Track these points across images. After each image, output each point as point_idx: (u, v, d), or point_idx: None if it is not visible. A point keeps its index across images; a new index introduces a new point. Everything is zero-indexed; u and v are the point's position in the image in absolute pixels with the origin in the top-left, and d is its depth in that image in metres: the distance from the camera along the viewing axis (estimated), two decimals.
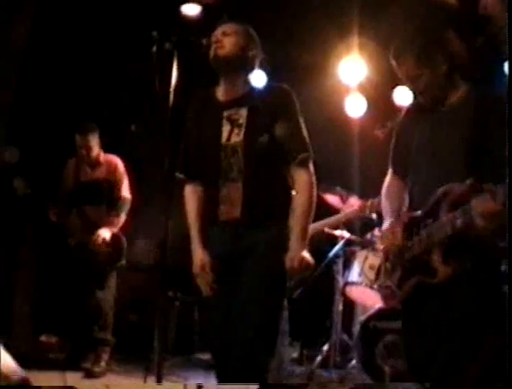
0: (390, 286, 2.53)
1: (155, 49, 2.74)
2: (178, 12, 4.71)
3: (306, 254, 2.50)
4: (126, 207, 4.52)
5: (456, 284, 2.26)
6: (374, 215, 4.39)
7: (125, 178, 4.54)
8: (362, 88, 5.55)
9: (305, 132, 2.59)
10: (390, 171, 2.73)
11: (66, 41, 4.92)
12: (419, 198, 2.47)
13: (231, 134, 2.55)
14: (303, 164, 2.55)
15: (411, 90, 2.59)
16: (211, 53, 2.58)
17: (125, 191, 4.53)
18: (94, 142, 4.46)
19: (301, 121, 2.60)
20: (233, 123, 2.56)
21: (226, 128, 2.56)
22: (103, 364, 4.26)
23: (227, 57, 2.56)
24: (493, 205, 2.07)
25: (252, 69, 2.67)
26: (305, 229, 2.51)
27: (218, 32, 2.60)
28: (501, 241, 2.25)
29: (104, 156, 4.55)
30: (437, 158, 2.42)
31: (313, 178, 2.56)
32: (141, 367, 4.11)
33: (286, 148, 2.55)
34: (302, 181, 2.54)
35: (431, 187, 2.37)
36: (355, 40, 5.19)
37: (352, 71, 5.43)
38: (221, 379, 2.56)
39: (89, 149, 4.44)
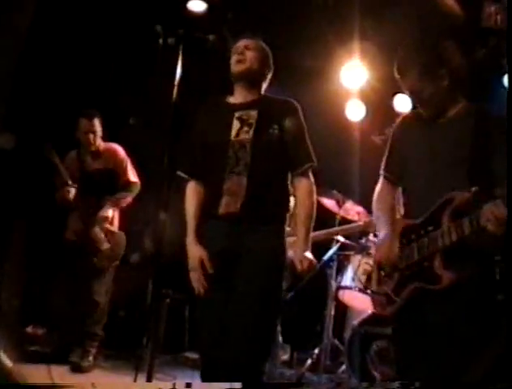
0: (384, 293, 2.53)
1: (160, 42, 2.75)
2: (184, 8, 4.71)
3: (310, 255, 2.60)
4: (135, 191, 4.49)
5: (459, 290, 2.27)
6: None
7: (128, 163, 4.49)
8: (363, 94, 5.57)
9: (309, 144, 2.72)
10: (381, 178, 2.74)
11: (69, 31, 4.90)
12: (417, 207, 2.49)
13: (240, 131, 2.66)
14: (306, 173, 2.70)
15: (412, 102, 2.62)
16: (232, 64, 2.76)
17: (132, 176, 4.48)
18: (98, 127, 4.41)
19: (307, 133, 2.73)
20: (243, 122, 2.67)
21: (236, 126, 2.67)
22: (91, 358, 4.21)
23: (247, 70, 2.73)
24: (505, 210, 2.10)
25: (265, 81, 2.84)
26: (308, 233, 2.63)
27: (241, 45, 2.77)
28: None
29: (103, 145, 4.49)
30: (435, 168, 2.44)
31: (314, 187, 2.70)
32: (129, 363, 4.10)
33: (292, 156, 2.68)
34: (305, 189, 2.68)
35: (430, 196, 2.40)
36: (356, 46, 5.20)
37: (353, 76, 5.46)
38: (206, 378, 2.57)
39: (94, 134, 4.38)
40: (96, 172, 4.45)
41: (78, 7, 4.79)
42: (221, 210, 2.59)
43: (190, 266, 2.63)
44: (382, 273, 2.57)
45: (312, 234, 2.68)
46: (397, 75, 2.55)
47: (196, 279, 2.61)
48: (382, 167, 2.72)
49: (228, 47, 2.84)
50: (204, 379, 2.59)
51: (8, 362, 2.46)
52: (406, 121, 2.68)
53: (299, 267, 2.56)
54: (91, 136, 4.37)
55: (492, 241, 2.24)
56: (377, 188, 2.74)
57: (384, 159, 2.72)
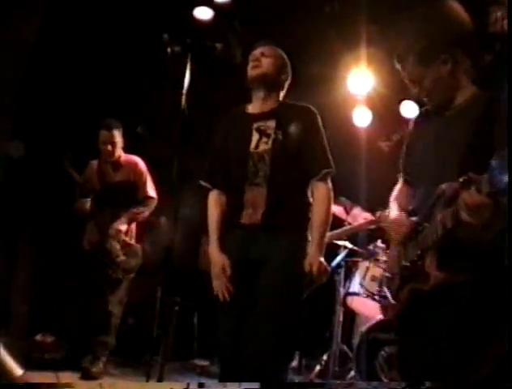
0: (385, 295, 2.51)
1: (168, 50, 2.77)
2: (190, 16, 4.73)
3: (323, 261, 2.61)
4: (152, 206, 4.46)
5: (453, 292, 2.16)
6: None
7: (148, 177, 4.47)
8: (370, 100, 5.58)
9: (328, 150, 2.73)
10: (400, 179, 2.70)
11: (76, 39, 4.91)
12: (420, 202, 2.40)
13: (259, 143, 2.70)
14: (324, 179, 2.71)
15: (417, 95, 2.48)
16: (249, 70, 2.78)
17: (151, 191, 4.46)
18: (119, 138, 4.40)
19: (325, 139, 2.74)
20: (262, 133, 2.71)
21: (255, 137, 2.71)
22: (101, 365, 4.21)
23: (263, 75, 2.75)
24: (478, 197, 1.97)
25: (282, 89, 2.86)
26: (322, 238, 2.65)
27: (257, 52, 2.80)
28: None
29: (124, 157, 4.48)
30: (440, 161, 2.35)
31: (332, 193, 2.72)
32: (138, 371, 4.12)
33: (310, 163, 2.70)
34: (322, 194, 2.70)
35: (433, 190, 2.29)
36: (363, 53, 5.21)
37: (359, 83, 5.47)
38: (224, 380, 2.61)
39: (114, 145, 4.38)
40: (117, 184, 4.44)
41: (86, 16, 4.82)
42: (243, 220, 2.65)
43: (213, 273, 2.68)
44: (387, 274, 2.53)
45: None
46: (397, 65, 2.47)
47: (219, 287, 2.65)
48: (401, 168, 2.68)
49: (235, 54, 2.86)
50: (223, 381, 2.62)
51: (18, 370, 2.48)
52: (417, 125, 2.62)
53: (307, 268, 2.56)
54: (110, 147, 4.37)
55: (486, 241, 2.11)
56: (396, 188, 2.69)
57: (401, 161, 2.68)
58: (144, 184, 4.44)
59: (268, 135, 2.69)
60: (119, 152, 4.44)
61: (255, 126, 2.72)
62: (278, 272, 2.56)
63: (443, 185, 2.22)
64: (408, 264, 2.35)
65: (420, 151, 2.52)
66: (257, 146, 2.69)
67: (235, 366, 2.55)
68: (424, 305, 2.26)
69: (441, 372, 2.19)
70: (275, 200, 2.63)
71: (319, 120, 2.76)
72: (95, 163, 4.54)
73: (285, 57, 2.87)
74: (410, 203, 2.54)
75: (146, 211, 4.45)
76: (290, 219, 2.64)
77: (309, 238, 2.66)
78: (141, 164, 4.48)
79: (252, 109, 2.82)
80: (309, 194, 2.73)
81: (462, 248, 2.16)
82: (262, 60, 2.76)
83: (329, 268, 2.65)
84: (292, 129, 2.68)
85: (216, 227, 2.77)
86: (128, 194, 4.41)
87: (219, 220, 2.78)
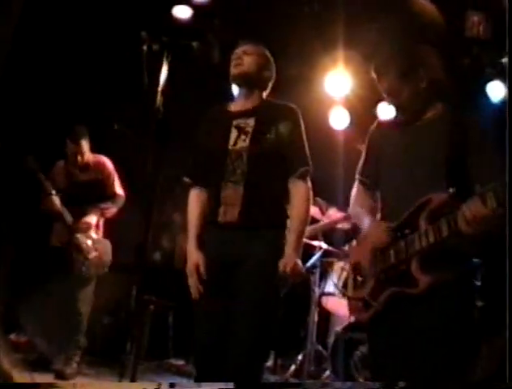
0: (361, 298, 2.47)
1: (144, 48, 2.76)
2: (169, 14, 4.72)
3: (299, 262, 2.58)
4: (120, 203, 4.49)
5: (436, 293, 2.23)
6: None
7: (116, 177, 4.49)
8: (347, 102, 5.60)
9: (307, 148, 2.72)
10: (356, 183, 2.73)
11: (53, 36, 4.88)
12: (393, 209, 2.46)
13: (237, 140, 2.69)
14: (302, 177, 2.68)
15: (390, 104, 2.58)
16: (231, 68, 2.79)
17: (118, 188, 4.49)
18: (86, 147, 4.41)
19: (304, 138, 2.73)
20: (241, 130, 2.70)
21: (234, 135, 2.70)
22: (74, 366, 4.19)
23: (245, 73, 2.76)
24: (483, 209, 2.06)
25: (265, 87, 2.86)
26: (300, 238, 2.62)
27: (240, 50, 2.80)
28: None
29: (92, 158, 4.48)
30: (412, 170, 2.42)
31: (311, 192, 2.69)
32: (113, 370, 4.08)
33: (288, 161, 2.68)
34: (300, 193, 2.67)
35: (406, 198, 2.36)
36: (341, 54, 5.23)
37: (337, 84, 5.49)
38: (200, 380, 2.60)
39: (82, 155, 4.39)
40: (84, 182, 4.44)
41: (64, 13, 4.79)
42: (220, 218, 2.63)
43: (188, 271, 2.67)
44: (359, 278, 2.53)
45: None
46: (374, 76, 2.54)
47: (192, 285, 2.64)
48: (358, 171, 2.71)
49: (213, 54, 2.86)
50: (198, 381, 2.62)
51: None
52: (382, 126, 2.68)
53: (281, 268, 2.52)
54: (79, 157, 4.39)
55: (470, 243, 2.23)
56: (353, 192, 2.73)
57: (360, 163, 2.71)
58: (112, 183, 4.47)
59: (246, 133, 2.67)
60: (87, 156, 4.44)
61: (235, 123, 2.72)
62: (253, 272, 2.54)
63: (428, 196, 2.28)
64: (386, 268, 2.39)
65: (386, 156, 2.56)
66: (235, 143, 2.68)
67: (210, 366, 2.54)
68: (403, 307, 2.31)
69: (419, 372, 2.23)
70: (252, 198, 2.60)
71: (301, 119, 2.75)
72: (61, 162, 4.52)
73: (269, 55, 2.87)
74: (375, 207, 2.61)
75: (113, 208, 4.47)
76: (267, 218, 2.62)
77: (287, 237, 2.62)
78: (108, 164, 4.49)
79: (234, 107, 2.82)
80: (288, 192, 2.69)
81: (447, 251, 2.23)
82: (243, 58, 2.76)
83: (303, 269, 2.63)
84: (272, 127, 2.67)
85: (195, 224, 2.75)
86: (96, 192, 4.42)
87: (199, 217, 2.76)
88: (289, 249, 2.57)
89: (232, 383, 2.40)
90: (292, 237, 2.60)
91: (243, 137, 2.67)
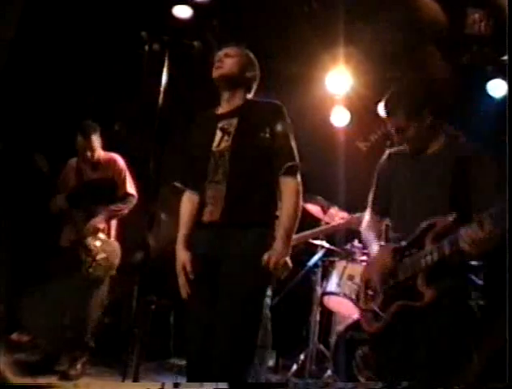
0: (372, 310, 2.69)
1: (146, 48, 2.77)
2: (169, 14, 4.71)
3: (286, 257, 2.58)
4: (131, 203, 4.40)
5: (439, 302, 2.46)
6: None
7: (127, 174, 4.42)
8: (348, 100, 5.60)
9: (293, 143, 2.72)
10: (368, 210, 2.95)
11: (54, 37, 4.87)
12: (403, 232, 2.67)
13: (221, 141, 2.71)
14: (290, 172, 2.67)
15: (397, 140, 2.77)
16: (214, 71, 2.80)
17: (130, 188, 4.41)
18: (96, 142, 4.35)
19: (290, 133, 2.73)
20: (224, 131, 2.72)
21: (218, 136, 2.73)
22: (79, 367, 4.14)
23: (226, 75, 2.78)
24: (481, 233, 2.30)
25: (249, 88, 2.87)
26: (288, 234, 2.60)
27: (221, 53, 2.82)
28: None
29: (103, 155, 4.43)
30: (418, 197, 2.66)
31: (300, 187, 2.68)
32: (115, 370, 4.09)
33: (274, 157, 2.68)
34: (289, 189, 2.66)
35: (415, 222, 2.59)
36: (341, 52, 5.23)
37: (337, 83, 5.49)
38: (192, 380, 2.61)
39: (93, 150, 4.34)
40: (94, 181, 4.38)
41: (64, 13, 4.78)
42: (205, 218, 2.67)
43: (177, 270, 2.71)
44: (370, 292, 2.73)
45: (297, 236, 2.69)
46: (384, 115, 2.73)
47: (181, 284, 2.68)
48: (370, 200, 2.93)
49: (213, 53, 2.86)
50: (190, 381, 2.63)
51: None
52: (391, 157, 2.87)
53: (264, 260, 2.51)
54: (90, 152, 4.34)
55: (467, 259, 2.50)
56: (365, 219, 2.95)
57: (371, 192, 2.93)
58: (123, 181, 4.40)
59: (229, 133, 2.70)
60: (98, 153, 4.39)
61: (219, 125, 2.74)
62: (235, 270, 2.55)
63: (433, 219, 2.53)
64: (395, 284, 2.63)
65: (395, 185, 2.79)
66: (218, 144, 2.70)
67: (200, 366, 2.55)
68: (410, 317, 2.54)
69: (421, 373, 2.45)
70: (234, 197, 2.62)
71: (286, 114, 2.75)
72: (73, 161, 4.48)
73: (251, 56, 2.88)
74: (383, 232, 2.87)
75: (125, 209, 4.39)
76: (252, 216, 2.62)
77: (276, 235, 2.61)
78: (120, 161, 4.43)
79: (220, 109, 2.84)
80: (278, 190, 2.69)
81: (449, 267, 2.48)
82: (224, 61, 2.79)
83: (290, 264, 2.59)
84: (256, 125, 2.68)
85: (184, 224, 2.79)
86: (106, 192, 4.36)
87: (188, 217, 2.79)
88: (277, 243, 2.56)
89: (225, 383, 2.41)
90: (280, 232, 2.59)
91: (226, 137, 2.70)
